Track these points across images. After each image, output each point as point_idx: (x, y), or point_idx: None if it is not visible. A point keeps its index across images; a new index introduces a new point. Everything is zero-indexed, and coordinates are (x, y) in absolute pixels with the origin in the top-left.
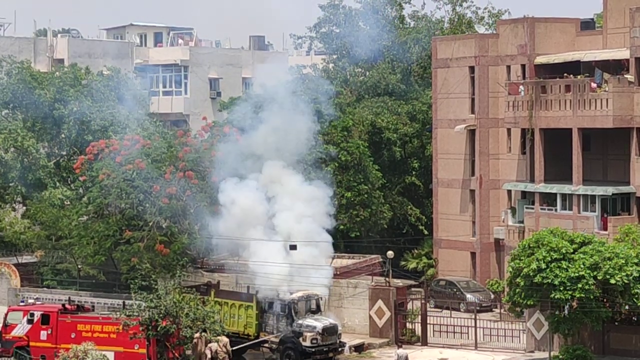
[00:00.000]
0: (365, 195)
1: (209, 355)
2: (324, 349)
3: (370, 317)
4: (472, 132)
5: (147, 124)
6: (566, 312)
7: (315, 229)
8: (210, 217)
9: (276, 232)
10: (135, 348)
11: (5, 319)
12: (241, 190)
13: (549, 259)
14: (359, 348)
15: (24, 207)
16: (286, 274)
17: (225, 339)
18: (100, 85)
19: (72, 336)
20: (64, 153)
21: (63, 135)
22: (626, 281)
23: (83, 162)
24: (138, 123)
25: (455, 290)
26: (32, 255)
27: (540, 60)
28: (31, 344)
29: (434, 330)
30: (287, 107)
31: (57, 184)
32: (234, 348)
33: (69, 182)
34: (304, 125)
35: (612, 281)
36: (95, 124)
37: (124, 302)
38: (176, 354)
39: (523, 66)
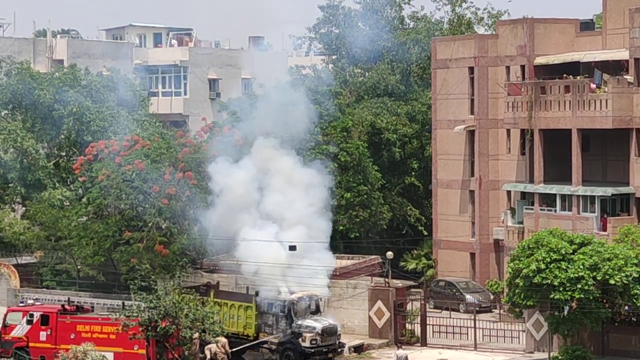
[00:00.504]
0: (365, 196)
1: (208, 356)
2: (324, 350)
3: (369, 317)
4: (471, 133)
5: (147, 125)
6: (565, 312)
7: (310, 214)
8: (207, 214)
9: (268, 217)
10: (135, 349)
11: (4, 319)
12: (232, 172)
13: (549, 259)
14: (359, 349)
15: (24, 208)
16: (284, 271)
17: (223, 340)
18: (100, 86)
19: (72, 337)
20: (64, 154)
21: (62, 136)
22: (626, 282)
23: (82, 163)
24: (137, 124)
25: (454, 290)
26: (32, 255)
27: (539, 61)
28: (30, 344)
29: (433, 331)
30: (285, 101)
31: (57, 184)
32: (232, 349)
33: (69, 182)
34: (302, 116)
35: (612, 282)
36: (94, 125)
37: (123, 303)
38: (175, 355)
39: (522, 67)
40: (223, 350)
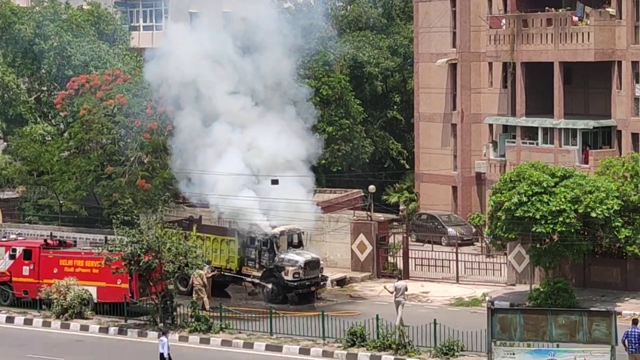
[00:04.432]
0: (347, 130)
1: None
2: (306, 283)
3: (352, 251)
4: (453, 66)
5: (128, 59)
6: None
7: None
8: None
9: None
10: (118, 283)
11: None
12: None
13: (530, 192)
14: (341, 282)
15: (5, 143)
16: (266, 206)
17: (201, 272)
18: (80, 20)
19: (55, 271)
20: (45, 88)
21: (43, 71)
22: (607, 214)
23: (64, 98)
24: (118, 58)
25: (436, 224)
26: (14, 190)
27: None
28: (14, 279)
29: (415, 264)
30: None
31: (38, 119)
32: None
33: (50, 117)
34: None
35: (593, 214)
36: (75, 59)
37: (106, 237)
38: (158, 289)
39: None
40: (200, 282)
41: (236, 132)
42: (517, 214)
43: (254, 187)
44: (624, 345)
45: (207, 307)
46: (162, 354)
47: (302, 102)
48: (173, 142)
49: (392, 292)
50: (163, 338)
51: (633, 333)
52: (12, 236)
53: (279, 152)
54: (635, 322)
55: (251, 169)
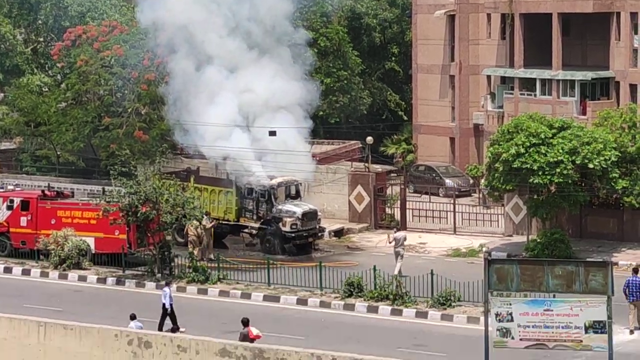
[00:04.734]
0: (345, 81)
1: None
2: (304, 234)
3: (349, 202)
4: (451, 18)
5: (125, 10)
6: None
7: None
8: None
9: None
10: (116, 234)
11: None
12: None
13: (528, 144)
14: (339, 233)
15: (2, 94)
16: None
17: (195, 222)
18: None
19: (52, 222)
20: (41, 39)
21: (40, 22)
22: (604, 165)
23: (60, 49)
24: (115, 9)
25: (434, 175)
26: (11, 141)
27: None
28: (11, 230)
29: (413, 215)
30: None
31: (35, 70)
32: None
33: (47, 68)
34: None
35: (591, 165)
36: (72, 10)
37: (103, 188)
38: (156, 240)
39: None
40: (195, 233)
41: (230, 76)
42: (514, 165)
43: (247, 130)
44: (625, 294)
45: (197, 257)
46: (164, 305)
47: (298, 46)
48: (169, 92)
49: (391, 242)
50: (166, 289)
51: (634, 282)
52: (9, 187)
53: (273, 95)
54: (635, 271)
55: (245, 112)
